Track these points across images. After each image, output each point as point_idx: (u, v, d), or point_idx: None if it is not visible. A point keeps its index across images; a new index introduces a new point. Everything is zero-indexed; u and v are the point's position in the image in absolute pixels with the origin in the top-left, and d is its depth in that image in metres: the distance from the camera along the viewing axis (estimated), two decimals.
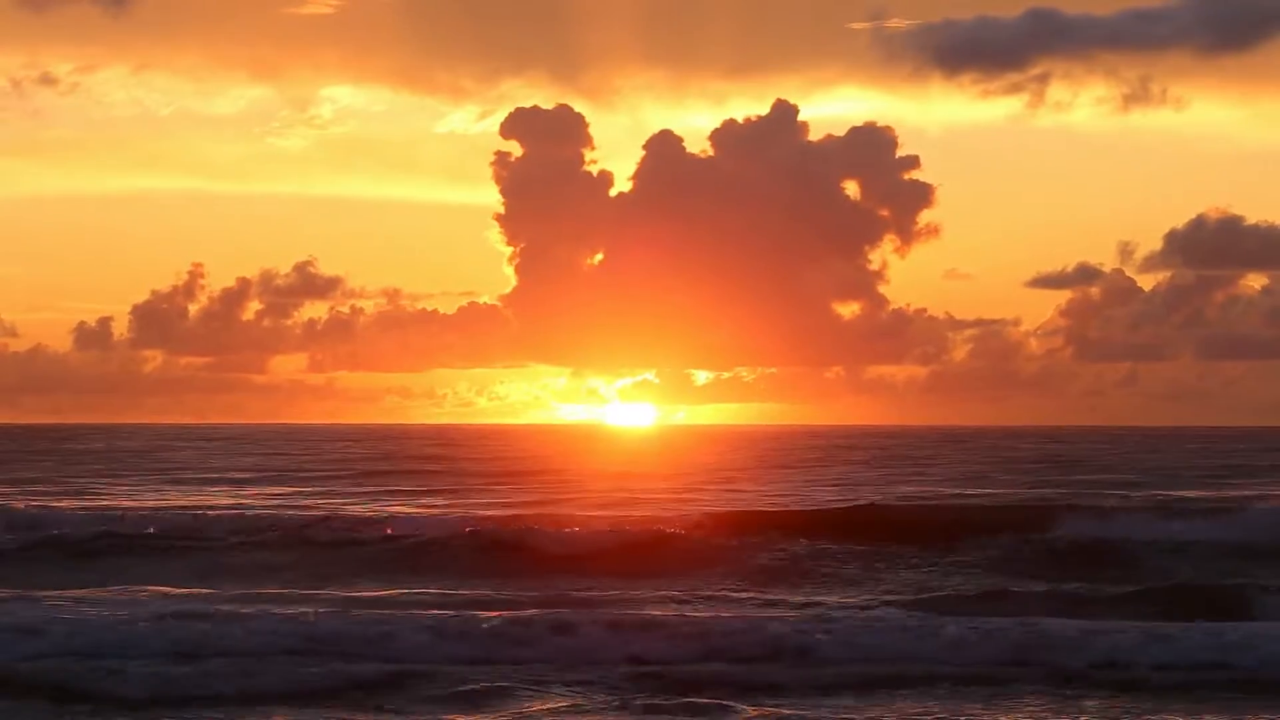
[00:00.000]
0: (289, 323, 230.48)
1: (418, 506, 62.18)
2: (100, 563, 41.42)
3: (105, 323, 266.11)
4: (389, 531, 47.88)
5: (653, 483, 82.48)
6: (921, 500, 64.16)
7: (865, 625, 28.38)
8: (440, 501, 65.80)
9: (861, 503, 58.68)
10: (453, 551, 43.23)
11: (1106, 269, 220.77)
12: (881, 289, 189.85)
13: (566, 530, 46.18)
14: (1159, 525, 46.90)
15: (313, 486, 78.97)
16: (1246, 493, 70.24)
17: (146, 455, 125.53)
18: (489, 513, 55.03)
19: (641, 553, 42.60)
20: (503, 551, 43.02)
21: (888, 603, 33.28)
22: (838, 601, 33.91)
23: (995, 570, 40.55)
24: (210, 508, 59.15)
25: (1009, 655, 26.21)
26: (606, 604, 32.15)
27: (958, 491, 72.53)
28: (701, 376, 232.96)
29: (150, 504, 62.88)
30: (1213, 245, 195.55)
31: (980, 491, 72.73)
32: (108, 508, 58.38)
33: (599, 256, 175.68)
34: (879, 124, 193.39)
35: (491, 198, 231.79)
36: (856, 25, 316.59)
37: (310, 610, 29.52)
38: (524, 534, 45.02)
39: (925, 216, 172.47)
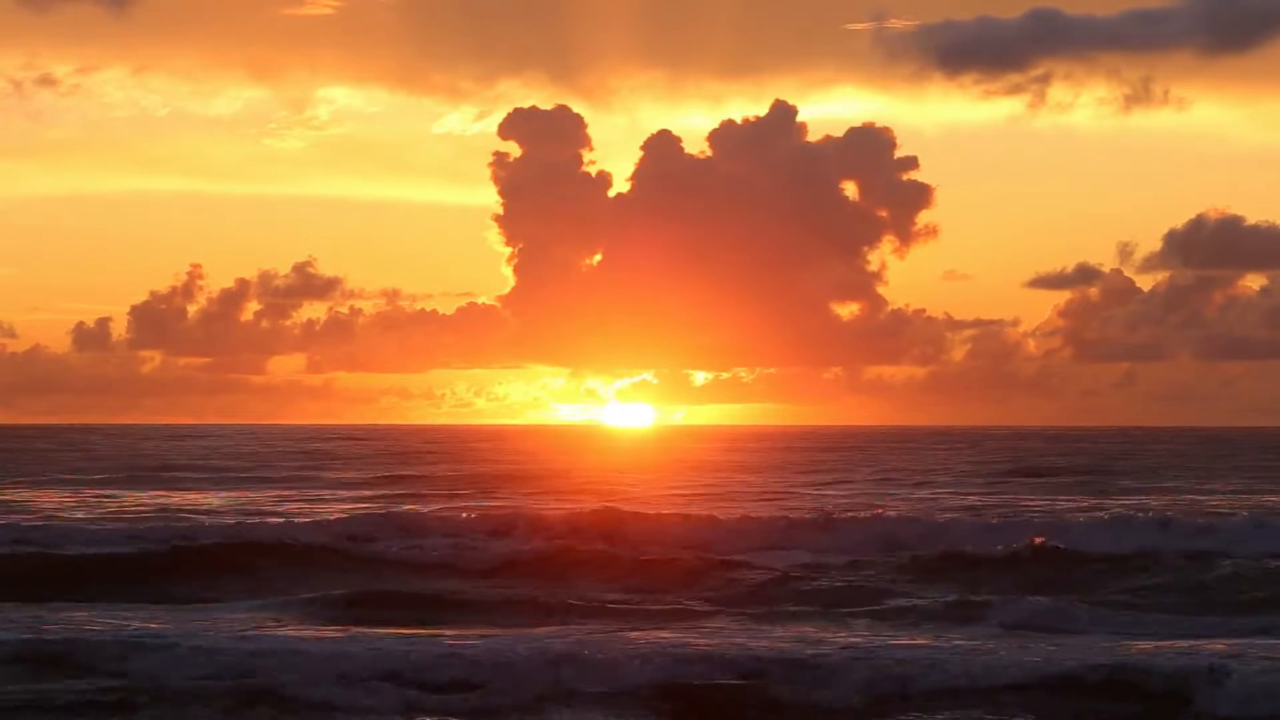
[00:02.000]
0: (287, 323, 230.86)
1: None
2: None
3: (104, 323, 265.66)
4: None
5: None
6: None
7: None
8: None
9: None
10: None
11: (1106, 269, 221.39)
12: (880, 289, 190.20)
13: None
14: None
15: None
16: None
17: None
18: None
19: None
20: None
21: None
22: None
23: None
24: None
25: None
26: None
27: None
28: (700, 377, 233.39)
29: None
30: (1212, 246, 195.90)
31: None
32: None
33: (597, 257, 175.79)
34: (877, 125, 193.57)
35: (490, 198, 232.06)
36: (855, 26, 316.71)
37: None
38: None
39: (924, 217, 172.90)
